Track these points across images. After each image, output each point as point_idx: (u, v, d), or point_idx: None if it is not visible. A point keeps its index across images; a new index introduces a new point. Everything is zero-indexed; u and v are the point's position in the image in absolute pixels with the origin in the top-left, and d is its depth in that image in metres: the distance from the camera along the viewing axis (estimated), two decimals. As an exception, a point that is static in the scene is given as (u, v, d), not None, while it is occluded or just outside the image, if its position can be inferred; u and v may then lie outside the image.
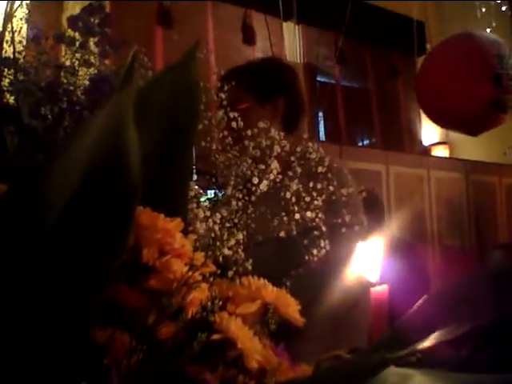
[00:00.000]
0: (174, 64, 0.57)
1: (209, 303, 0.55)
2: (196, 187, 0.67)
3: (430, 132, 5.32)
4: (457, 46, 4.00)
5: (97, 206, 0.44)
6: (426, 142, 5.38)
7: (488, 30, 4.87)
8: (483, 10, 5.25)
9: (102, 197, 0.44)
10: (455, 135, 4.65)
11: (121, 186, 0.43)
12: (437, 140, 5.34)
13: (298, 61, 4.68)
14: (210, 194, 0.76)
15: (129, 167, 0.42)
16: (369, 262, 0.54)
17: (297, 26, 4.69)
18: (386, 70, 5.26)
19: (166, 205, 0.59)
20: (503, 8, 5.28)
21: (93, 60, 0.93)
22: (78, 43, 0.94)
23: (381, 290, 0.53)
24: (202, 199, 0.66)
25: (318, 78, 4.91)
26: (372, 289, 0.54)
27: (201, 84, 0.59)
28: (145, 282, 0.55)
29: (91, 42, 0.98)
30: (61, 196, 0.48)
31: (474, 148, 4.96)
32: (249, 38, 4.31)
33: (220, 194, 0.73)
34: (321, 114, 4.95)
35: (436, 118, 4.15)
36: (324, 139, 4.81)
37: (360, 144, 5.24)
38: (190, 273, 0.52)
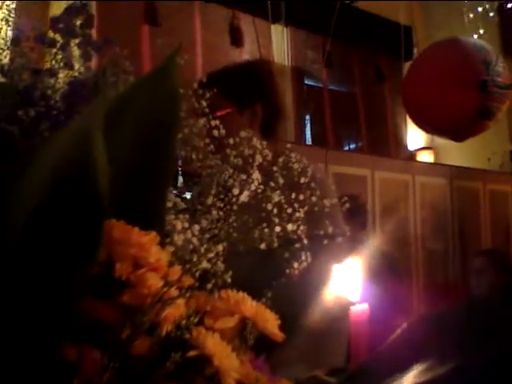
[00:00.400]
0: (154, 70, 0.55)
1: (183, 320, 0.54)
2: (173, 196, 0.65)
3: (415, 137, 5.34)
4: (443, 52, 4.01)
5: (63, 217, 0.43)
6: (411, 147, 5.40)
7: (475, 36, 4.90)
8: (471, 15, 5.28)
9: (69, 208, 0.42)
10: (440, 141, 4.67)
11: (88, 198, 0.41)
12: (422, 145, 5.36)
13: (286, 63, 4.67)
14: (191, 197, 0.75)
15: (96, 181, 0.40)
16: (349, 282, 0.53)
17: (285, 29, 4.68)
18: (373, 75, 5.27)
19: (143, 216, 0.57)
20: (491, 14, 5.32)
21: (76, 63, 0.91)
22: (58, 45, 0.92)
23: (361, 309, 0.52)
24: (181, 208, 0.64)
25: (306, 81, 4.91)
26: (352, 308, 0.52)
27: (181, 90, 0.57)
28: (118, 297, 0.54)
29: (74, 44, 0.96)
30: (28, 203, 0.46)
31: (458, 154, 4.98)
32: (236, 40, 4.30)
33: (199, 204, 0.71)
34: (307, 117, 4.95)
35: (421, 124, 4.16)
36: (310, 142, 4.81)
37: (346, 148, 5.24)
38: (165, 289, 0.50)
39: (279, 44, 4.66)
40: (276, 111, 1.23)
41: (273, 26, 4.54)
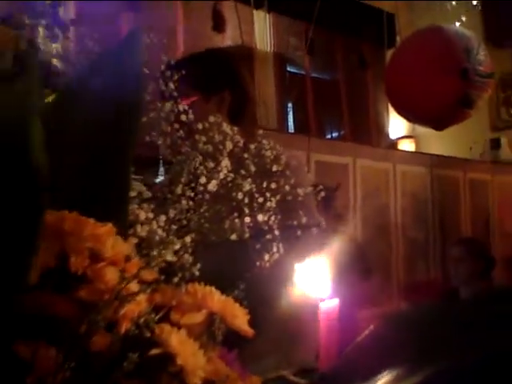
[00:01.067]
0: (112, 48, 0.51)
1: (143, 317, 0.50)
2: (138, 184, 0.61)
3: (397, 125, 5.34)
4: (425, 40, 4.00)
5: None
6: (392, 136, 5.40)
7: (457, 24, 4.89)
8: (453, 3, 5.27)
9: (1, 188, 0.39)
10: (422, 129, 4.67)
11: (22, 176, 0.38)
12: (403, 134, 5.36)
13: (268, 50, 4.61)
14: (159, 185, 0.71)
15: (31, 158, 0.37)
16: (318, 277, 0.50)
17: (268, 15, 4.62)
18: (356, 62, 5.24)
19: (103, 206, 0.54)
20: (474, 2, 5.31)
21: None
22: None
23: (331, 304, 0.49)
24: (147, 197, 0.61)
25: (288, 68, 4.86)
26: (321, 303, 0.49)
27: (144, 71, 0.53)
28: (75, 292, 0.50)
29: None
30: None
31: (440, 142, 4.99)
32: (219, 26, 4.23)
33: (169, 193, 0.68)
34: (290, 104, 4.91)
35: (402, 112, 4.16)
36: (293, 130, 4.78)
37: (329, 136, 5.22)
38: (122, 284, 0.47)
39: (262, 30, 4.60)
40: (244, 97, 1.20)
41: (255, 12, 4.48)
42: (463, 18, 5.09)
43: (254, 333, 0.58)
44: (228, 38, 4.32)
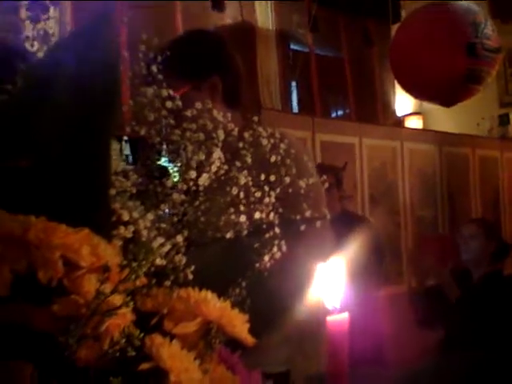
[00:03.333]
0: (81, 27, 0.45)
1: (126, 333, 0.45)
2: (123, 180, 0.55)
3: (403, 102, 5.24)
4: (431, 14, 3.89)
5: None
6: (399, 113, 5.31)
7: (464, -2, 4.77)
8: (459, -24, 5.13)
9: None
10: (429, 106, 4.58)
11: None
12: (411, 111, 5.26)
13: (270, 28, 4.51)
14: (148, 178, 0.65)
15: None
16: (328, 285, 0.44)
17: (269, -8, 4.52)
18: (360, 39, 5.13)
19: (80, 208, 0.48)
20: (480, -24, 5.17)
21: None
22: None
23: (340, 319, 0.43)
24: (130, 193, 0.55)
25: (291, 46, 4.76)
26: (329, 318, 0.44)
27: (126, 53, 0.47)
28: (49, 305, 0.45)
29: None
30: None
31: (447, 119, 4.90)
32: (218, 4, 4.13)
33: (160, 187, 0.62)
34: (294, 83, 4.82)
35: (409, 89, 4.07)
36: (297, 109, 4.70)
37: (334, 115, 5.13)
38: (100, 300, 0.41)
39: (263, 8, 4.50)
40: (237, 80, 1.14)
41: (256, -11, 4.38)
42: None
43: (254, 341, 0.52)
44: (228, 17, 4.22)
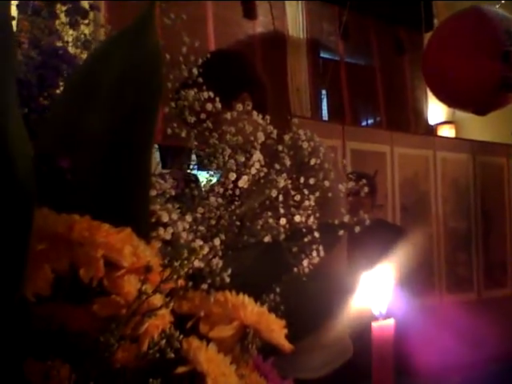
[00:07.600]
0: (123, 30, 0.45)
1: (166, 333, 0.45)
2: (162, 182, 0.55)
3: (436, 111, 5.17)
4: (464, 22, 3.85)
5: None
6: (432, 122, 5.24)
7: (497, 6, 4.69)
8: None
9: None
10: (462, 114, 4.51)
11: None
12: (443, 119, 5.19)
13: (301, 36, 4.52)
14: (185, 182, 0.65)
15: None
16: (375, 290, 0.43)
17: (300, 0, 4.52)
18: (392, 47, 5.08)
19: (121, 208, 0.48)
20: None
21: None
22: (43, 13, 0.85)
23: (386, 325, 0.42)
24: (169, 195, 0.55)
25: (322, 54, 4.75)
26: (374, 324, 0.43)
27: (161, 55, 0.47)
28: (89, 305, 0.45)
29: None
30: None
31: (481, 128, 4.82)
32: (249, 12, 4.15)
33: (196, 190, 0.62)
34: (324, 91, 4.80)
35: (442, 97, 4.02)
36: (327, 118, 4.68)
37: (364, 123, 5.10)
38: (141, 300, 0.41)
39: (294, 16, 4.50)
40: (264, 92, 1.23)
41: (287, -2, 4.39)
42: (503, 0, 4.88)
43: (291, 347, 0.51)
44: (259, 25, 4.24)
